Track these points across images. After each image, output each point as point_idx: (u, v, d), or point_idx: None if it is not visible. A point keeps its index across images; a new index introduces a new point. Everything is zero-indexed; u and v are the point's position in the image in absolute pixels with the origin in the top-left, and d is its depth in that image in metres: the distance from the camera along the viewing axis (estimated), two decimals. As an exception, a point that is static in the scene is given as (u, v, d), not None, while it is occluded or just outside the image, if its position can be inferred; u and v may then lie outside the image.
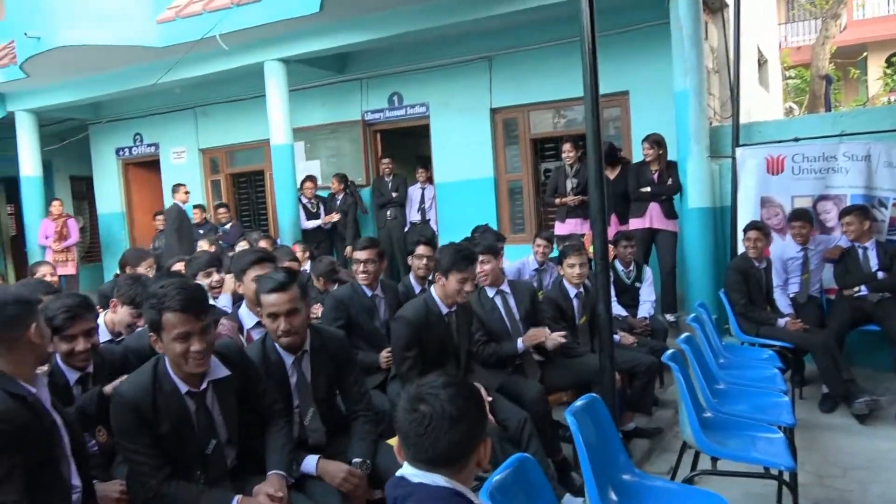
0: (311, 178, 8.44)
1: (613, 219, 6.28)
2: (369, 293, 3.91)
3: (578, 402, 2.52)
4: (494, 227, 7.53)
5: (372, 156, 8.87)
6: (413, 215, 8.33)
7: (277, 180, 8.00)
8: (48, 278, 4.77)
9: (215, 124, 9.74)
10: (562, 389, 3.93)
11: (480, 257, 3.83)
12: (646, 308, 5.20)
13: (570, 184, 6.58)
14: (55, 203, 9.44)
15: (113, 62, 8.04)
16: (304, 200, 8.28)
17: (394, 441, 1.52)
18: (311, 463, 2.52)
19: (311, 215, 8.32)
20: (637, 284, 5.33)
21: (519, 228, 8.07)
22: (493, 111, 7.97)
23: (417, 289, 4.37)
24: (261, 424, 2.49)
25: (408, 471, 1.48)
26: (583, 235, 5.99)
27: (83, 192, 12.17)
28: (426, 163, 8.53)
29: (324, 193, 8.57)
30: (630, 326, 4.89)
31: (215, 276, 4.07)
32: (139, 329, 3.06)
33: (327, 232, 8.45)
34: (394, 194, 8.28)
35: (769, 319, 4.99)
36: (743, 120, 6.14)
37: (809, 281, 5.28)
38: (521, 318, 3.96)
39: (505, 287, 4.01)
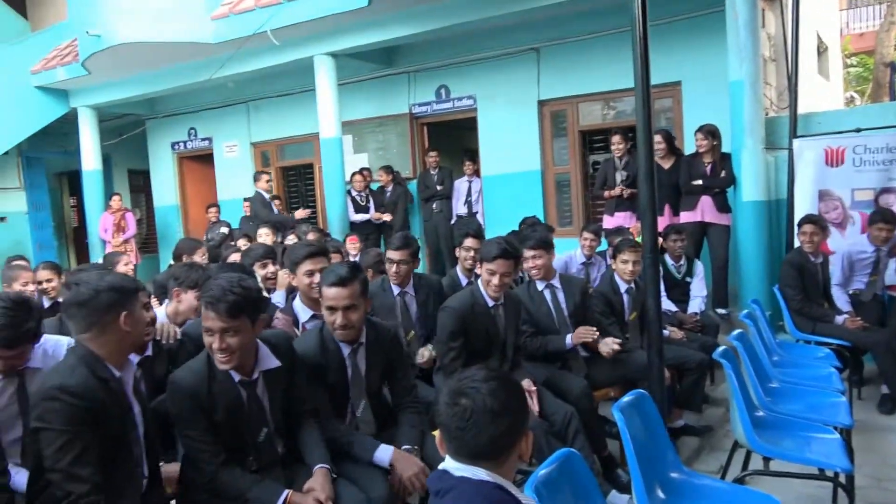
0: (361, 171, 8.52)
1: (667, 210, 6.16)
2: (396, 291, 3.91)
3: (626, 398, 2.49)
4: (541, 220, 7.49)
5: (419, 149, 8.90)
6: (459, 208, 8.33)
7: (326, 173, 8.10)
8: (124, 268, 4.96)
9: (266, 118, 9.92)
10: (609, 385, 3.88)
11: (532, 252, 3.79)
12: (696, 303, 5.09)
13: (619, 176, 6.49)
14: (115, 198, 9.78)
15: (169, 58, 8.26)
16: (354, 193, 8.37)
17: (437, 433, 1.52)
18: (385, 453, 2.53)
19: (360, 208, 8.40)
20: (688, 279, 5.23)
21: (566, 222, 7.99)
22: (541, 103, 7.90)
23: (464, 281, 4.38)
24: (298, 417, 2.53)
25: (450, 464, 1.48)
26: (629, 228, 5.90)
27: (140, 185, 12.56)
28: (473, 155, 8.52)
29: (373, 186, 8.66)
30: (680, 322, 4.80)
31: (270, 268, 4.12)
32: (196, 319, 3.14)
33: (376, 224, 8.53)
34: (439, 187, 8.30)
35: (826, 316, 4.83)
36: (801, 110, 5.94)
37: (879, 282, 5.07)
38: (570, 313, 3.91)
39: (555, 281, 3.96)
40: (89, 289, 2.07)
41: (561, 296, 3.95)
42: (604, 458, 3.51)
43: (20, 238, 10.43)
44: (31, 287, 4.44)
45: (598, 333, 3.71)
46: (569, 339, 3.75)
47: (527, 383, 3.23)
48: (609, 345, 3.70)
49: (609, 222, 6.46)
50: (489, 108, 8.20)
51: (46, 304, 4.53)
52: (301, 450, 2.45)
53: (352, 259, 5.64)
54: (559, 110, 7.93)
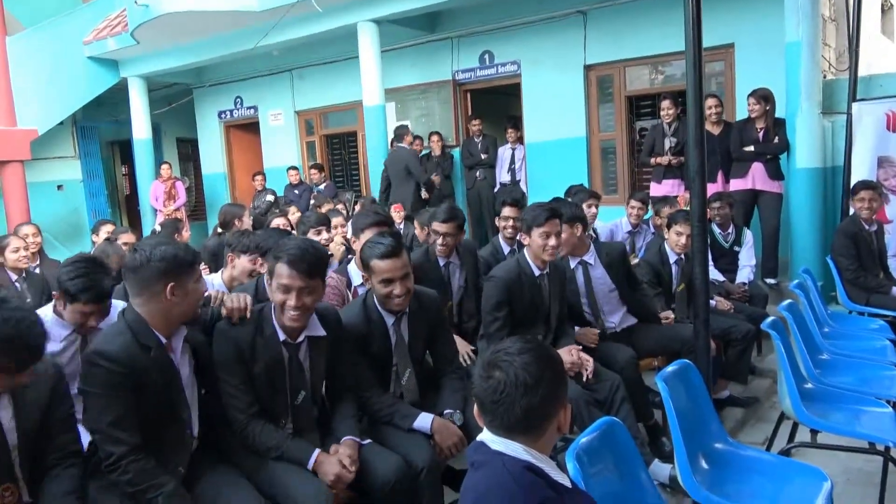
0: (411, 136, 8.50)
1: (720, 177, 5.99)
2: (442, 262, 3.92)
3: (670, 368, 2.46)
4: (587, 187, 7.39)
5: (462, 116, 8.84)
6: (502, 176, 8.27)
7: (369, 141, 8.13)
8: (186, 234, 5.17)
9: (310, 86, 9.96)
10: (653, 354, 3.85)
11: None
12: (745, 273, 4.98)
13: (667, 143, 6.34)
14: (164, 166, 10.01)
15: (215, 27, 8.34)
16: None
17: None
18: (426, 420, 2.58)
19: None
20: (736, 248, 5.11)
21: (612, 189, 7.87)
22: (587, 68, 7.73)
23: (506, 249, 4.37)
24: (337, 392, 2.58)
25: (487, 436, 1.47)
26: (676, 197, 5.78)
27: (189, 154, 12.82)
28: (517, 122, 8.42)
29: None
30: (727, 292, 4.71)
31: (324, 234, 4.19)
32: (248, 282, 3.23)
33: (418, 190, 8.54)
34: (483, 155, 8.25)
35: (882, 287, 4.67)
36: (862, 72, 5.69)
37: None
38: (611, 289, 3.79)
39: (589, 257, 3.77)
40: (143, 256, 2.14)
41: (598, 272, 3.77)
42: (649, 426, 3.50)
43: (77, 206, 10.79)
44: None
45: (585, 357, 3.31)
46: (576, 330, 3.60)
47: (570, 353, 3.22)
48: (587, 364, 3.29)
49: (656, 190, 6.34)
50: (534, 74, 8.07)
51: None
52: (332, 424, 2.49)
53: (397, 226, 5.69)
54: (606, 75, 7.75)
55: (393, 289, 2.62)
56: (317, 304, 2.44)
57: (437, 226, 3.78)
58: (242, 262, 3.21)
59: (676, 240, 4.09)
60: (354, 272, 3.43)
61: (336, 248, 4.16)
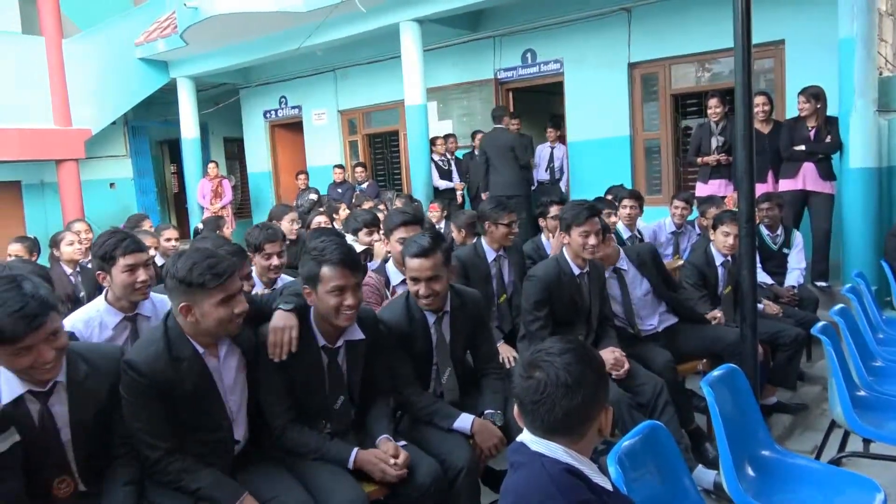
0: (446, 137, 8.53)
1: (770, 177, 5.84)
2: (491, 256, 3.91)
3: (716, 372, 2.41)
4: (629, 187, 7.29)
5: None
6: (541, 174, 8.21)
7: (411, 140, 8.16)
8: (173, 242, 5.34)
9: (353, 86, 10.06)
10: (696, 357, 3.77)
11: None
12: (794, 276, 4.84)
13: (714, 141, 6.20)
14: (211, 165, 10.23)
15: (261, 28, 8.48)
16: (437, 159, 8.41)
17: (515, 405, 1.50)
18: (465, 421, 2.57)
19: (443, 173, 8.44)
20: (785, 250, 4.97)
21: (655, 189, 7.75)
22: (632, 66, 7.62)
23: (549, 248, 4.34)
24: (374, 395, 2.56)
25: (527, 437, 1.46)
26: (724, 198, 5.66)
27: (235, 153, 13.08)
28: (557, 121, 8.34)
29: (458, 154, 8.67)
30: (775, 295, 4.58)
31: (376, 236, 4.24)
32: (292, 279, 3.28)
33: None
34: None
35: (941, 292, 4.49)
36: (921, 69, 5.47)
37: None
38: (646, 291, 3.73)
39: (622, 263, 3.70)
40: (167, 268, 2.12)
41: (632, 276, 3.71)
42: (691, 431, 3.44)
43: (127, 203, 11.10)
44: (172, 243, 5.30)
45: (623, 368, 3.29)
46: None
47: (612, 353, 3.19)
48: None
49: (702, 190, 6.21)
50: (577, 72, 7.99)
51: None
52: (367, 424, 2.49)
53: (434, 226, 5.70)
54: (650, 73, 7.62)
55: (419, 288, 2.62)
56: None
57: (507, 217, 3.80)
58: (258, 260, 3.36)
59: (724, 241, 4.00)
60: (393, 271, 3.45)
61: (379, 248, 4.18)
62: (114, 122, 10.45)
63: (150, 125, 11.77)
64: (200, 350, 2.16)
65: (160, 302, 2.68)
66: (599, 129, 7.85)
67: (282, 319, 2.32)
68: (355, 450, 2.32)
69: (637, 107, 7.74)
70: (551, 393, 1.38)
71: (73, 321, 2.53)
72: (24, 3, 10.19)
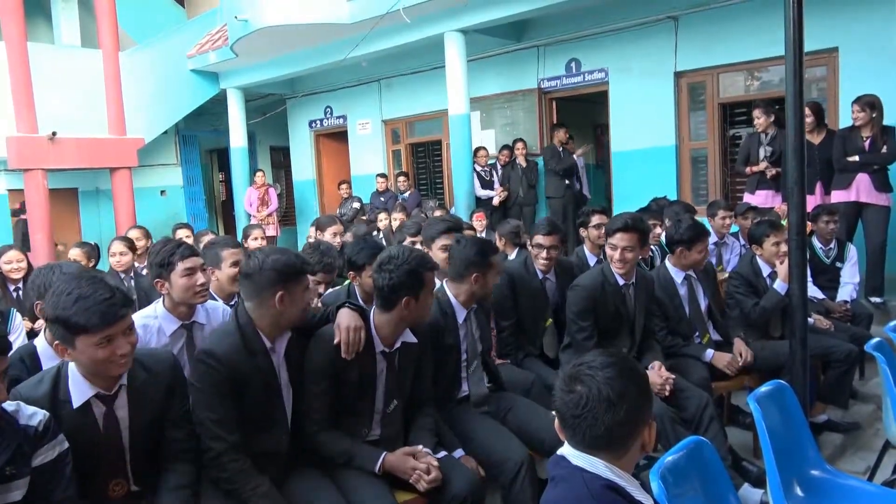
0: (483, 148, 8.57)
1: (819, 189, 5.68)
2: (540, 275, 3.87)
3: (763, 388, 2.35)
4: (674, 197, 7.18)
5: (547, 124, 8.78)
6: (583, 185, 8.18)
7: (454, 149, 8.19)
8: (259, 241, 5.36)
9: (397, 96, 10.15)
10: (745, 373, 3.68)
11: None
12: (847, 290, 4.69)
13: (762, 152, 6.06)
14: (258, 174, 10.44)
15: (308, 40, 8.65)
16: (479, 168, 8.43)
17: (556, 417, 1.47)
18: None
19: (485, 183, 8.45)
20: (838, 264, 4.82)
21: (702, 200, 7.59)
22: (678, 74, 7.51)
23: (592, 260, 4.29)
24: (419, 402, 2.60)
25: (568, 451, 1.44)
26: (771, 209, 5.52)
27: (281, 161, 13.33)
28: (602, 131, 8.28)
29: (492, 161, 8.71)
30: (827, 310, 4.44)
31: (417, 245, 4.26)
32: (335, 288, 3.31)
33: (501, 200, 8.56)
34: (574, 156, 8.18)
35: None
36: (984, 77, 5.26)
37: None
38: (707, 307, 3.74)
39: (693, 271, 3.75)
40: (256, 263, 2.24)
41: (700, 288, 3.74)
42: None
43: (177, 210, 11.40)
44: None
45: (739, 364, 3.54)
46: (709, 354, 3.56)
47: (659, 374, 3.14)
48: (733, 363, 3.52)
49: (750, 200, 6.07)
50: (622, 81, 7.92)
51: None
52: (410, 436, 2.51)
53: (478, 235, 5.69)
54: (698, 82, 7.51)
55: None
56: None
57: (540, 238, 3.61)
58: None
59: (772, 251, 3.91)
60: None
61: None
62: (165, 132, 10.76)
63: (199, 134, 12.08)
64: (268, 345, 2.26)
65: (213, 310, 2.75)
66: (644, 138, 7.75)
67: (349, 319, 2.37)
68: (383, 454, 2.33)
69: (683, 116, 7.62)
70: (593, 408, 1.36)
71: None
72: (83, 18, 10.62)
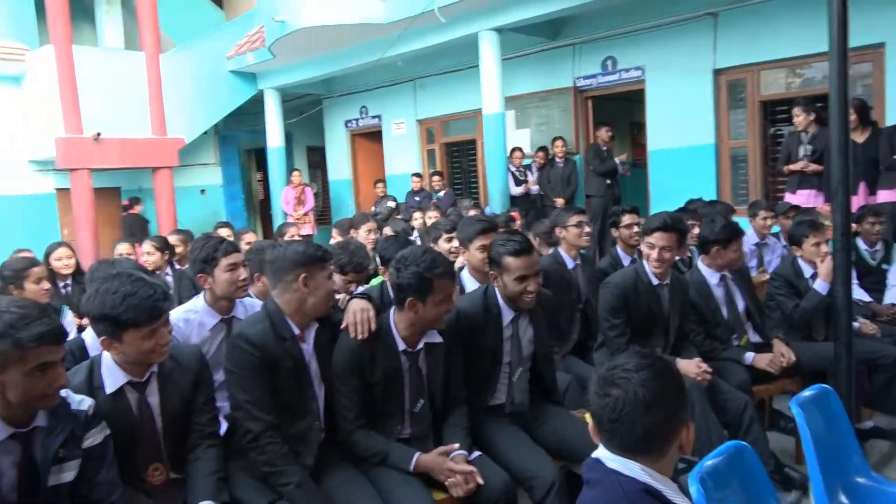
0: (520, 148, 8.55)
1: (862, 189, 5.53)
2: (570, 265, 3.85)
3: (807, 393, 2.29)
4: (713, 196, 7.06)
5: (582, 123, 8.71)
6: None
7: (488, 149, 8.18)
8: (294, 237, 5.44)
9: (432, 96, 10.18)
10: (787, 377, 3.60)
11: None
12: (894, 293, 4.54)
13: (802, 150, 5.93)
14: (295, 173, 10.57)
15: (344, 40, 8.72)
16: (513, 169, 8.41)
17: (590, 420, 1.45)
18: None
19: (519, 183, 8.44)
20: (884, 266, 4.68)
21: (742, 200, 7.45)
22: (717, 72, 7.38)
23: (626, 260, 4.25)
24: (450, 401, 2.57)
25: (603, 454, 1.41)
26: (813, 209, 5.38)
27: (317, 161, 13.46)
28: (638, 129, 8.18)
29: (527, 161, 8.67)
30: (873, 313, 4.32)
31: (455, 243, 4.24)
32: (368, 285, 3.33)
33: (533, 199, 8.52)
34: (617, 159, 8.11)
35: None
36: None
37: None
38: (745, 309, 3.65)
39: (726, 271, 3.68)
40: (280, 250, 2.35)
41: (736, 289, 3.66)
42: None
43: (217, 209, 11.61)
44: None
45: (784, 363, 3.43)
46: (749, 357, 3.48)
47: (694, 362, 3.09)
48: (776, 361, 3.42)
49: (791, 200, 5.94)
50: (659, 79, 7.81)
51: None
52: (444, 435, 2.49)
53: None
54: (737, 79, 7.37)
55: (527, 285, 2.60)
56: None
57: (653, 237, 3.23)
58: (338, 279, 3.36)
59: (814, 251, 3.81)
60: (468, 280, 3.44)
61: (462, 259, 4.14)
62: (205, 132, 10.96)
63: (238, 135, 12.28)
64: (296, 331, 2.32)
65: (251, 307, 2.83)
66: (682, 137, 7.64)
67: (357, 303, 2.45)
68: (416, 454, 2.34)
69: (723, 114, 7.49)
70: (630, 411, 1.33)
71: (175, 318, 2.66)
72: (126, 21, 10.87)
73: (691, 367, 3.06)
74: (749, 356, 3.48)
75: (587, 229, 3.97)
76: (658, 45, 7.73)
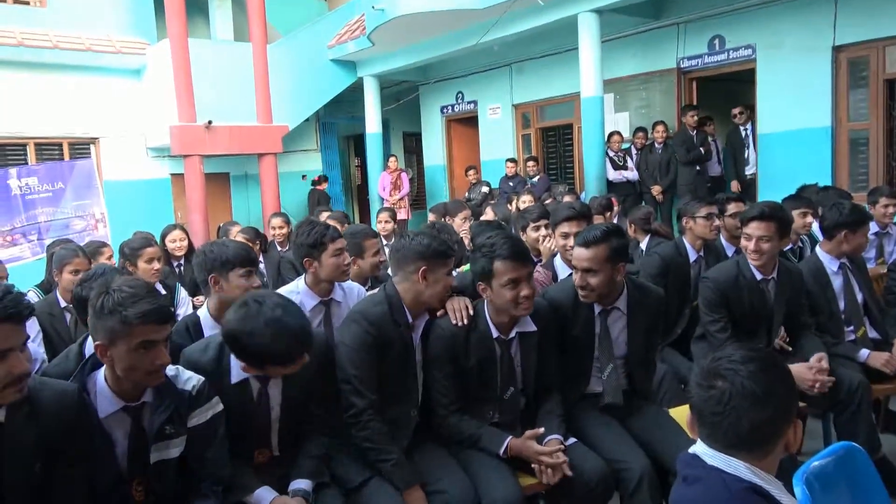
0: (619, 133, 8.33)
1: None
2: (693, 257, 3.72)
3: (929, 395, 2.13)
4: (828, 182, 6.62)
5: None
6: (713, 169, 7.71)
7: (585, 133, 8.02)
8: (384, 224, 5.54)
9: (528, 80, 10.08)
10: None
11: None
12: None
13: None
14: (392, 159, 10.78)
15: (441, 26, 8.77)
16: (611, 153, 8.21)
17: (688, 413, 1.40)
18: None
19: (617, 168, 8.23)
20: None
21: (860, 186, 6.94)
22: (836, 49, 6.89)
23: (730, 250, 4.07)
24: (544, 389, 2.56)
25: (702, 449, 1.35)
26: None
27: (413, 147, 13.66)
28: (751, 112, 7.76)
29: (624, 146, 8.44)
30: None
31: (543, 231, 4.20)
32: (460, 269, 3.36)
33: (632, 185, 8.28)
34: (701, 149, 7.74)
35: None
36: None
37: None
38: (864, 301, 3.40)
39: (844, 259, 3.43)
40: (405, 240, 2.43)
41: (854, 278, 3.40)
42: (876, 460, 3.05)
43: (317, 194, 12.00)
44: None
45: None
46: (864, 354, 3.21)
47: (815, 363, 2.87)
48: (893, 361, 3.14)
49: (918, 187, 5.48)
50: (771, 59, 7.38)
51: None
52: (538, 420, 2.47)
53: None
54: (860, 57, 6.85)
55: (576, 278, 2.53)
56: None
57: (752, 227, 3.05)
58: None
59: None
60: (561, 267, 3.40)
61: (545, 248, 4.03)
62: (307, 119, 11.34)
63: (338, 121, 12.62)
64: (410, 319, 2.40)
65: (349, 289, 2.92)
66: (795, 119, 7.20)
67: (457, 298, 2.51)
68: (508, 437, 2.34)
69: (842, 94, 6.99)
70: (737, 405, 1.27)
71: None
72: (236, 15, 11.38)
73: (805, 371, 2.80)
74: (864, 353, 3.24)
75: (717, 222, 3.79)
76: (770, 22, 7.29)
